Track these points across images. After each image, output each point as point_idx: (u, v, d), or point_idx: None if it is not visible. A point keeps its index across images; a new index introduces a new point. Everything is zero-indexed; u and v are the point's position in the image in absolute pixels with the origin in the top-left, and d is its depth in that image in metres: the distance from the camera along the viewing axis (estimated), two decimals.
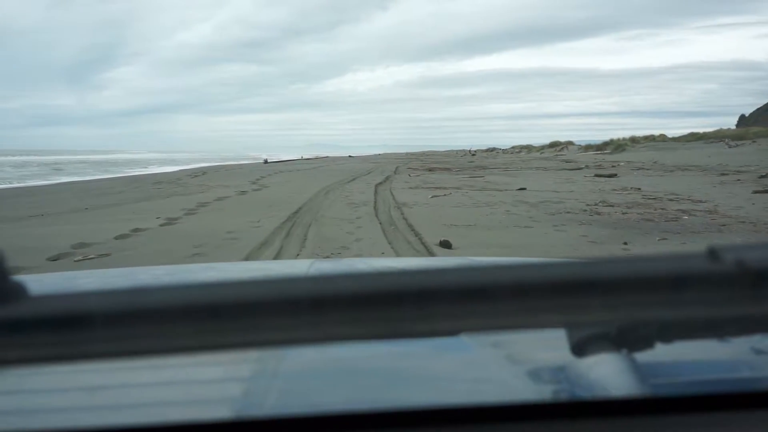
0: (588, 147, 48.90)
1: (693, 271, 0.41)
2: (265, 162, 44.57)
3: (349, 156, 78.13)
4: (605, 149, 45.87)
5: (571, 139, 59.10)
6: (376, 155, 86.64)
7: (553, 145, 59.77)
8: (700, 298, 0.40)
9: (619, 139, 45.92)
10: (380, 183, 21.10)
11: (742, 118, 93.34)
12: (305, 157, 66.52)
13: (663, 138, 48.09)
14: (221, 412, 0.66)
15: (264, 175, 27.81)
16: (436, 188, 16.60)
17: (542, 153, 53.76)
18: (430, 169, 31.62)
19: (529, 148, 65.50)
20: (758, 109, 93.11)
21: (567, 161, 36.29)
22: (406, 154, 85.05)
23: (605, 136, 60.45)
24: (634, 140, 44.41)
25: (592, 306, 0.40)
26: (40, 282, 1.33)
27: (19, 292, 0.39)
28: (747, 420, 0.62)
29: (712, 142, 40.42)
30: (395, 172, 30.83)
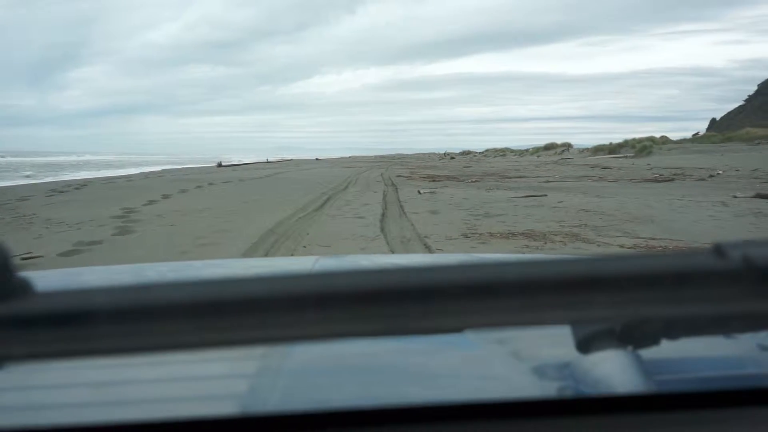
0: (597, 149, 37.76)
1: (699, 268, 0.40)
2: (219, 165, 40.52)
3: (316, 159, 67.20)
4: (619, 152, 34.83)
5: (546, 143, 50.18)
6: (345, 158, 75.94)
7: (549, 147, 49.28)
8: (705, 294, 0.39)
9: (635, 140, 35.26)
10: (384, 214, 10.84)
11: (713, 122, 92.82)
12: (270, 159, 62.25)
13: (665, 140, 38.15)
14: (226, 409, 0.65)
15: (175, 191, 14.55)
16: (523, 236, 7.68)
17: (539, 156, 42.71)
18: (433, 179, 22.63)
19: (519, 153, 54.72)
20: (729, 113, 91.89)
21: (603, 167, 24.81)
22: (376, 157, 75.75)
23: (572, 140, 52.32)
24: (654, 141, 33.74)
25: (597, 303, 0.39)
26: (45, 278, 1.24)
27: (24, 288, 0.38)
28: (753, 416, 0.61)
29: (759, 143, 34.09)
30: (387, 183, 17.81)
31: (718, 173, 19.66)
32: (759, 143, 33.44)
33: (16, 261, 0.39)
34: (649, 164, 27.52)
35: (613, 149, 40.48)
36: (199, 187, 17.11)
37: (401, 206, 11.65)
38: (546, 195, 13.77)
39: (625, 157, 35.05)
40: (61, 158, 74.02)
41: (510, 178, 21.84)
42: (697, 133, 49.43)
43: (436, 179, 21.65)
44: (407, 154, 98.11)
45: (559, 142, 52.34)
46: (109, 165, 49.88)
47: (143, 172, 31.66)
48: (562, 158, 40.16)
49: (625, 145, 39.79)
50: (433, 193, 14.79)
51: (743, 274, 0.38)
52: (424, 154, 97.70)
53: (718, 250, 0.40)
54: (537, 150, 54.79)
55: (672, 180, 17.91)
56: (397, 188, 16.84)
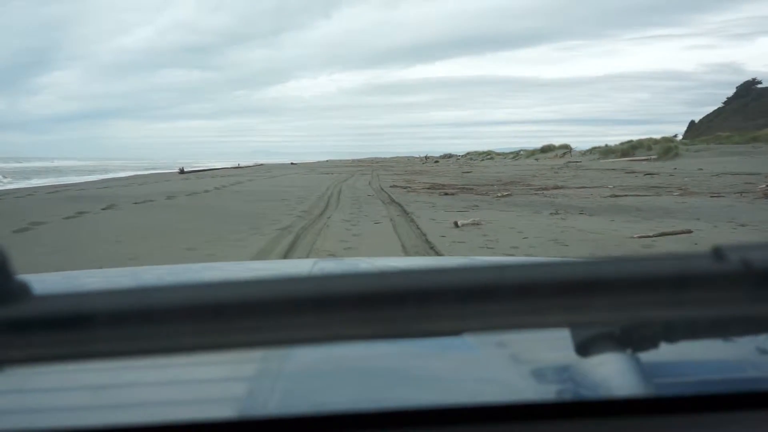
0: (607, 151, 31.57)
1: (698, 271, 0.39)
2: (181, 172, 36.78)
3: (291, 163, 60.68)
4: (633, 154, 28.36)
5: (521, 146, 45.21)
6: (322, 162, 69.42)
7: (546, 149, 42.84)
8: (704, 297, 0.39)
9: (649, 140, 29.31)
10: None
11: (692, 124, 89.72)
12: (242, 164, 58.43)
13: (671, 140, 32.18)
14: (225, 412, 0.64)
15: (17, 226, 8.74)
16: None
17: (537, 160, 36.69)
18: (443, 191, 15.97)
19: (513, 155, 48.70)
20: (708, 115, 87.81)
21: (645, 174, 18.02)
22: (353, 161, 70.56)
23: (550, 143, 46.64)
24: (671, 142, 27.85)
25: (596, 306, 0.39)
26: (43, 281, 1.21)
27: (23, 291, 0.38)
28: (751, 420, 0.60)
29: None
30: (385, 201, 14.14)
31: None
32: None
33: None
34: (701, 168, 21.82)
35: (626, 151, 35.47)
36: (79, 214, 10.45)
37: None
38: (691, 231, 7.41)
39: (648, 160, 29.65)
40: (37, 164, 72.73)
41: (545, 189, 16.18)
42: (675, 135, 44.84)
43: (447, 192, 15.29)
44: (385, 158, 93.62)
45: (556, 143, 47.45)
46: (83, 171, 46.74)
47: (103, 179, 28.92)
48: (570, 162, 34.85)
49: (639, 146, 34.48)
50: (477, 224, 8.29)
51: (742, 277, 0.37)
52: (402, 157, 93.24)
53: (718, 253, 0.39)
54: (533, 152, 49.93)
55: None
56: (405, 211, 10.51)
